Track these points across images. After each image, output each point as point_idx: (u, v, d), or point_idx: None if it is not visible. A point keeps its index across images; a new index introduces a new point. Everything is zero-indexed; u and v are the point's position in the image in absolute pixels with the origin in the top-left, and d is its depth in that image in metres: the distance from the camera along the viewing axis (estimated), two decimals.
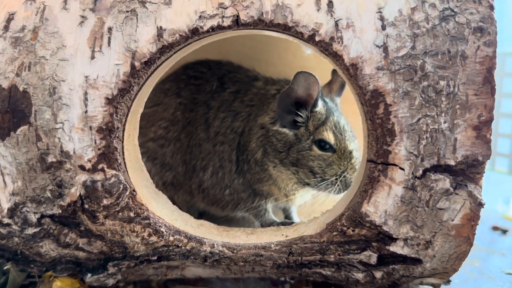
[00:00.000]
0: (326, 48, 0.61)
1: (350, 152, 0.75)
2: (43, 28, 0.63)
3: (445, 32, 0.58)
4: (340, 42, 0.60)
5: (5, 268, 0.72)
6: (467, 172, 0.60)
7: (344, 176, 0.75)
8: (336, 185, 0.74)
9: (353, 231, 0.64)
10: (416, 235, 0.63)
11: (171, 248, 0.66)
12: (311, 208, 0.78)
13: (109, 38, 0.62)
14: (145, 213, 0.64)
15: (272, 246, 0.67)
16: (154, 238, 0.65)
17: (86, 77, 0.61)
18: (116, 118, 0.61)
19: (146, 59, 0.61)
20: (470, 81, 0.58)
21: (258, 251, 0.67)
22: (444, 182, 0.60)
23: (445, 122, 0.59)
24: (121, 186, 0.62)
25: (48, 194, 0.63)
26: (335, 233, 0.65)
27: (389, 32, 0.59)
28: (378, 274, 0.68)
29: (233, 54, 0.94)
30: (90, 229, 0.65)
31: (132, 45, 0.61)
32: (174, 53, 0.64)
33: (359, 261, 0.66)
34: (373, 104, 0.60)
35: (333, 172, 0.74)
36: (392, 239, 0.64)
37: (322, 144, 0.75)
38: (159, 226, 0.65)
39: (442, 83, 0.59)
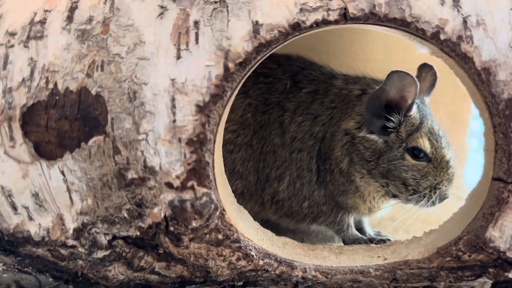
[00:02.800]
0: (453, 48, 0.52)
1: (447, 162, 0.67)
2: (114, 20, 0.54)
3: None
4: (470, 42, 0.52)
5: None
6: None
7: (440, 188, 0.67)
8: (429, 198, 0.67)
9: (469, 256, 0.57)
10: None
11: (259, 273, 0.59)
12: (401, 222, 0.71)
13: (197, 34, 0.53)
14: (235, 235, 0.56)
15: (372, 270, 0.60)
16: (242, 263, 0.57)
17: (173, 80, 0.52)
18: (208, 129, 0.52)
19: (241, 60, 0.52)
20: None
21: (355, 276, 0.60)
22: None
23: None
24: (213, 206, 0.53)
25: (125, 214, 0.54)
26: (448, 258, 0.57)
27: None
28: None
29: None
30: (170, 253, 0.56)
31: (225, 42, 0.52)
32: (270, 51, 0.55)
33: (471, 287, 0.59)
34: (507, 115, 0.52)
35: (427, 184, 0.67)
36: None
37: (416, 153, 0.67)
38: (250, 249, 0.57)
39: None
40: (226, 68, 0.52)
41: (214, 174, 0.54)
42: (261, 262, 0.58)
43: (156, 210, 0.54)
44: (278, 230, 0.72)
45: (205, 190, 0.53)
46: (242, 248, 0.56)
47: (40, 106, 0.54)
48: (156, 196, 0.53)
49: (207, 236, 0.55)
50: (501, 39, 0.52)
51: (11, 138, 0.56)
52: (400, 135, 0.67)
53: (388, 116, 0.67)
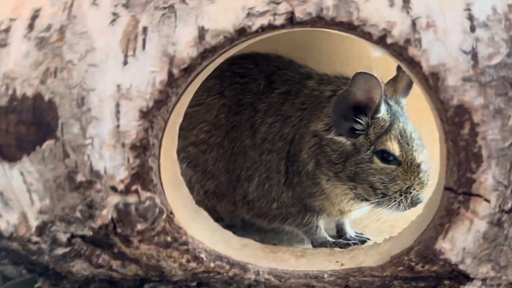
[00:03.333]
0: (400, 52, 0.50)
1: (418, 166, 0.65)
2: (70, 27, 0.56)
3: None
4: (418, 45, 0.49)
5: (36, 286, 0.67)
6: None
7: (410, 192, 0.65)
8: (401, 202, 0.65)
9: (422, 267, 0.55)
10: (498, 276, 0.53)
11: (211, 274, 0.59)
12: (376, 223, 0.69)
13: (144, 40, 0.54)
14: (183, 237, 0.57)
15: (326, 276, 0.59)
16: (193, 264, 0.58)
17: (118, 86, 0.53)
18: (151, 134, 0.53)
19: (185, 66, 0.53)
20: None
21: (309, 281, 0.59)
22: None
23: None
24: (157, 209, 0.55)
25: (78, 214, 0.57)
26: (400, 268, 0.56)
27: (479, 34, 0.48)
28: None
29: (282, 45, 0.83)
30: (124, 252, 0.59)
31: (170, 48, 0.53)
32: (218, 56, 0.55)
33: None
34: (456, 122, 0.49)
35: (397, 188, 0.65)
36: (468, 279, 0.54)
37: (385, 156, 0.65)
38: (199, 252, 0.58)
39: None
40: (170, 74, 0.53)
41: (159, 179, 0.55)
42: (212, 264, 0.59)
43: (104, 212, 0.55)
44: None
45: (148, 194, 0.54)
46: (191, 250, 0.58)
47: (1, 111, 0.57)
48: (103, 199, 0.55)
49: (155, 238, 0.56)
50: (451, 42, 0.49)
51: None
52: (368, 138, 0.65)
53: (356, 118, 0.65)
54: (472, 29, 0.48)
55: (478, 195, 0.50)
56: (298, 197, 0.70)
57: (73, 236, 0.59)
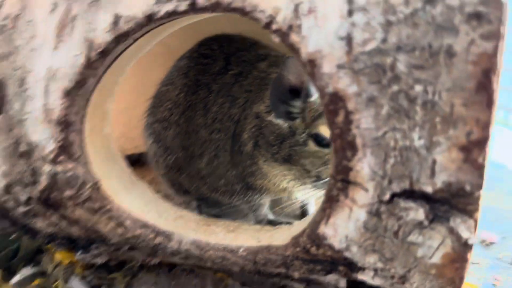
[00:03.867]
0: (283, 39, 0.50)
1: None
2: (21, 16, 0.64)
3: (429, 19, 0.44)
4: (299, 32, 0.49)
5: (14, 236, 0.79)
6: (453, 202, 0.47)
7: None
8: None
9: (316, 250, 0.55)
10: (387, 268, 0.52)
11: (139, 240, 0.66)
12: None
13: (72, 27, 0.60)
14: (109, 205, 0.63)
15: (240, 251, 0.62)
16: (120, 230, 0.65)
17: (49, 68, 0.60)
18: (73, 112, 0.60)
19: (101, 49, 0.58)
20: (457, 87, 0.44)
21: (225, 253, 0.63)
22: (416, 212, 0.48)
23: (419, 139, 0.46)
24: (80, 179, 0.62)
25: (28, 179, 0.66)
26: (298, 249, 0.57)
27: (356, 19, 0.47)
28: None
29: None
30: (65, 214, 0.67)
31: (91, 34, 0.59)
32: (134, 41, 0.60)
33: (327, 282, 0.58)
34: (331, 110, 0.49)
35: (329, 172, 0.64)
36: (358, 268, 0.54)
37: (319, 139, 0.65)
38: (124, 219, 0.64)
39: (418, 88, 0.45)
40: (88, 57, 0.59)
41: (84, 152, 0.62)
42: (137, 232, 0.65)
43: (42, 178, 0.64)
44: None
45: (72, 165, 0.61)
46: (116, 217, 0.64)
47: None
48: (40, 167, 0.63)
49: (85, 204, 0.64)
50: (329, 28, 0.48)
51: None
52: (304, 121, 0.66)
53: (291, 102, 0.66)
54: (350, 13, 0.47)
55: (356, 184, 0.49)
56: (240, 175, 0.72)
57: (29, 197, 0.68)
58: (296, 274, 0.59)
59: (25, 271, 0.75)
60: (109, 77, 0.62)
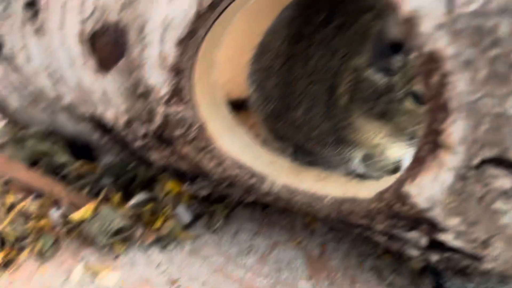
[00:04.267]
0: None
1: None
2: None
3: None
4: None
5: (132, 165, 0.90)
6: None
7: None
8: None
9: (401, 207, 0.57)
10: (469, 231, 0.52)
11: (236, 179, 0.72)
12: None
13: None
14: (211, 145, 0.70)
15: (326, 200, 0.66)
16: (220, 169, 0.72)
17: (165, 17, 0.66)
18: (184, 59, 0.66)
19: (210, 2, 0.62)
20: None
21: (312, 200, 0.67)
22: (504, 180, 0.47)
23: None
24: (188, 120, 0.69)
25: (145, 116, 0.75)
26: (382, 204, 0.59)
27: None
28: (434, 258, 0.60)
29: None
30: (176, 150, 0.75)
31: None
32: None
33: (409, 238, 0.60)
34: (427, 70, 0.48)
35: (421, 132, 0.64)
36: (441, 228, 0.55)
37: (417, 97, 0.64)
38: (224, 159, 0.71)
39: None
40: (199, 9, 0.63)
41: (192, 96, 0.68)
42: (235, 172, 0.71)
43: (157, 117, 0.72)
44: None
45: (182, 107, 0.68)
46: (217, 156, 0.71)
47: (98, 33, 0.76)
48: (155, 108, 0.71)
49: (192, 143, 0.71)
50: None
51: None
52: (404, 77, 0.65)
53: (392, 57, 0.65)
54: None
55: (446, 146, 0.50)
56: (334, 128, 0.74)
57: (145, 133, 0.78)
58: (379, 227, 0.61)
59: (140, 196, 0.86)
60: (217, 28, 0.66)
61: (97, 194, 0.89)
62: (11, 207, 0.86)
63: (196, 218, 0.86)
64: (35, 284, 0.74)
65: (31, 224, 0.82)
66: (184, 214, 0.85)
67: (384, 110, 0.67)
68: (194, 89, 0.68)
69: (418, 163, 0.52)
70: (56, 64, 0.85)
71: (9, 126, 1.18)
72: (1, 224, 0.82)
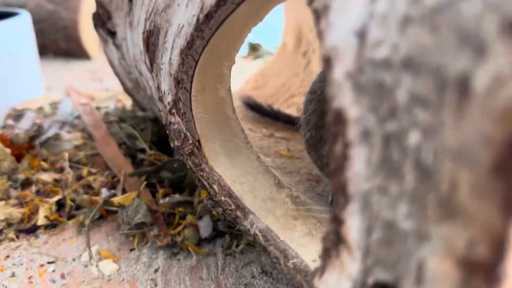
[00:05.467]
0: (315, 22, 0.37)
1: None
2: None
3: (452, 22, 0.24)
4: (326, 17, 0.36)
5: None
6: None
7: None
8: None
9: None
10: None
11: (223, 206, 0.65)
12: None
13: None
14: (204, 165, 0.65)
15: (289, 262, 0.54)
16: (211, 190, 0.66)
17: (179, 24, 0.64)
18: (182, 70, 0.62)
19: (206, 12, 0.57)
20: (464, 156, 0.23)
21: (280, 256, 0.56)
22: None
23: (407, 218, 0.28)
24: (183, 134, 0.65)
25: (164, 121, 0.74)
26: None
27: (378, 8, 0.30)
28: None
29: None
30: (184, 160, 0.72)
31: None
32: (237, 6, 0.55)
33: None
34: (333, 133, 0.34)
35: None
36: None
37: None
38: (212, 182, 0.65)
39: (413, 136, 0.26)
40: (197, 19, 0.59)
41: (189, 109, 0.64)
42: (222, 198, 0.65)
43: (166, 125, 0.70)
44: None
45: (178, 119, 0.65)
46: (206, 178, 0.65)
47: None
48: (166, 113, 0.69)
49: (189, 157, 0.67)
50: (349, 18, 0.33)
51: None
52: None
53: None
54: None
55: (345, 244, 0.35)
56: None
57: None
58: None
59: (174, 198, 0.87)
60: (219, 42, 0.60)
61: (152, 185, 0.93)
62: (80, 178, 0.97)
63: (217, 235, 0.82)
64: (59, 250, 0.82)
65: (86, 197, 0.91)
66: (205, 227, 0.81)
67: None
68: (191, 102, 0.64)
69: (326, 255, 0.38)
70: (138, 58, 0.91)
71: (130, 106, 1.32)
72: (67, 190, 0.94)
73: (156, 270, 0.77)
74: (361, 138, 0.31)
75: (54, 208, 0.90)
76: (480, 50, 0.22)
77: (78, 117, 1.28)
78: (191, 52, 0.60)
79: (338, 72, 0.33)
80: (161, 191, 0.90)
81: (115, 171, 0.98)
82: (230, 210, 0.64)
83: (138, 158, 1.02)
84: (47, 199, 0.92)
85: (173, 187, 0.92)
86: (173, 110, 0.65)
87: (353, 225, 0.33)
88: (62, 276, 0.76)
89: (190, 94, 0.63)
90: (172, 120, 0.66)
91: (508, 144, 0.21)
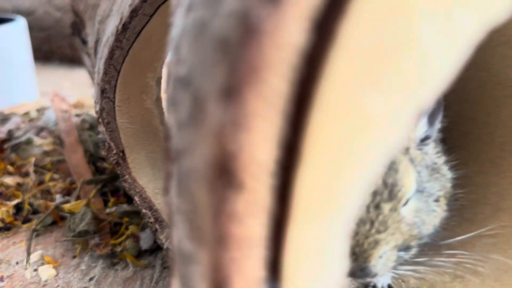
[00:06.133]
0: None
1: None
2: None
3: None
4: None
5: None
6: None
7: None
8: None
9: None
10: None
11: (146, 219, 0.65)
12: None
13: None
14: (126, 176, 0.65)
15: None
16: (134, 202, 0.66)
17: (108, 33, 0.64)
18: (105, 79, 0.62)
19: (122, 23, 0.57)
20: None
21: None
22: None
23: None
24: (107, 144, 0.65)
25: None
26: None
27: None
28: None
29: None
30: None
31: (124, 6, 0.58)
32: (149, 18, 0.55)
33: None
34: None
35: None
36: None
37: None
38: (133, 193, 0.64)
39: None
40: (117, 30, 0.59)
41: (113, 119, 0.64)
42: (143, 210, 0.64)
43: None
44: None
45: (102, 129, 0.65)
46: (128, 188, 0.65)
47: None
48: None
49: (118, 168, 0.67)
50: None
51: None
52: None
53: None
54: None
55: None
56: None
57: None
58: None
59: (120, 207, 0.86)
60: (140, 52, 0.60)
61: (105, 193, 0.93)
62: (41, 183, 0.98)
63: (159, 247, 0.81)
64: (6, 252, 0.82)
65: (42, 202, 0.92)
66: (146, 238, 0.81)
67: None
68: (115, 112, 0.64)
69: None
70: None
71: None
72: (27, 194, 0.95)
73: (91, 279, 0.76)
74: None
75: (12, 211, 0.92)
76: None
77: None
78: (112, 62, 0.60)
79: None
80: (112, 200, 0.90)
81: (75, 178, 0.99)
82: (151, 223, 0.63)
83: (100, 166, 1.03)
84: (7, 202, 0.93)
85: (128, 197, 0.91)
86: (100, 120, 0.65)
87: None
88: (1, 279, 0.77)
89: (114, 104, 0.63)
90: (100, 129, 0.66)
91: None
